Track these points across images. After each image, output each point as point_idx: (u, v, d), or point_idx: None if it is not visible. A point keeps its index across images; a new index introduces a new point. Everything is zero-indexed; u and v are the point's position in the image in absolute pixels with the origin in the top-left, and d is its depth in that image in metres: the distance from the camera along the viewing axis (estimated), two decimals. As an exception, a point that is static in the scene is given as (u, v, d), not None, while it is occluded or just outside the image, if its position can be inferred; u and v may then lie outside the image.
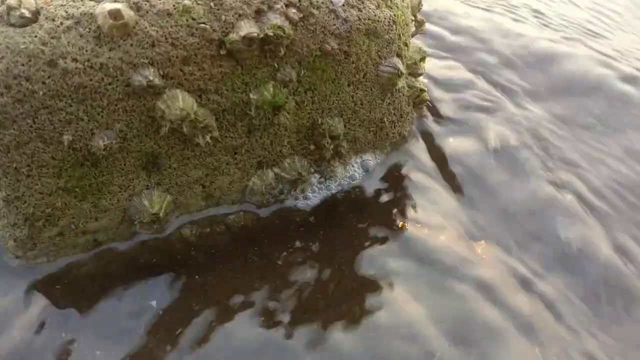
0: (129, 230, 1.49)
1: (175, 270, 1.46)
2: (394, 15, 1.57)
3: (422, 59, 1.74)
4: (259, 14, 1.39)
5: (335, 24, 1.47)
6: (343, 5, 1.47)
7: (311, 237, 1.53)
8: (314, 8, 1.44)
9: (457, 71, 2.05)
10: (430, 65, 2.01)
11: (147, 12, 1.32)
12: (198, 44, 1.36)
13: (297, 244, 1.52)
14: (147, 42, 1.32)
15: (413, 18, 1.76)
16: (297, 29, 1.42)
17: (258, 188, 1.56)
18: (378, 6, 1.54)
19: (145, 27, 1.32)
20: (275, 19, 1.38)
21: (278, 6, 1.39)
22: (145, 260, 1.48)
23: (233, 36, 1.36)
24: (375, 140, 1.69)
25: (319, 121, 1.56)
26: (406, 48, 1.65)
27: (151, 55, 1.32)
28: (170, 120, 1.36)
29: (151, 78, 1.32)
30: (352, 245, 1.51)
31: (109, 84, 1.32)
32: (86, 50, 1.29)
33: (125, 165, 1.42)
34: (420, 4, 1.85)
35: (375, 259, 1.48)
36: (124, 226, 1.48)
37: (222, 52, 1.38)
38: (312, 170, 1.61)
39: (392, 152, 1.73)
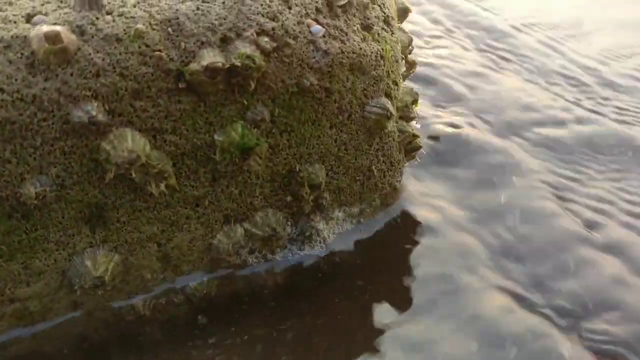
0: (69, 298, 1.25)
1: (126, 350, 1.22)
2: (382, 49, 1.40)
3: (414, 102, 1.56)
4: (225, 42, 1.20)
5: (314, 57, 1.28)
6: (324, 35, 1.29)
7: (286, 311, 1.31)
8: (290, 37, 1.26)
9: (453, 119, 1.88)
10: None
11: (92, 36, 1.14)
12: (152, 74, 1.16)
13: (270, 317, 1.30)
14: (91, 72, 1.13)
15: (403, 57, 1.59)
16: (271, 61, 1.24)
17: (224, 247, 1.33)
18: (364, 39, 1.37)
19: (89, 54, 1.13)
20: (244, 48, 1.19)
21: (248, 34, 1.21)
22: (89, 337, 1.25)
23: (194, 66, 1.17)
24: (362, 191, 1.48)
25: (297, 168, 1.35)
26: (396, 88, 1.47)
27: (95, 87, 1.13)
28: (117, 164, 1.15)
29: (94, 114, 1.12)
30: (333, 326, 1.29)
31: (44, 119, 1.11)
32: (16, 79, 1.09)
33: (63, 218, 1.20)
34: (411, 43, 1.68)
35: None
36: (62, 293, 1.24)
37: (181, 85, 1.19)
38: (289, 225, 1.39)
39: (381, 206, 1.52)
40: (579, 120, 1.95)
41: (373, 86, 1.39)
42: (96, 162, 1.17)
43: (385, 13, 1.44)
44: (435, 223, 1.53)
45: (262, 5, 1.24)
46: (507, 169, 1.70)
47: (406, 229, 1.52)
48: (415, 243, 1.47)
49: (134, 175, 1.18)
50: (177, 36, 1.18)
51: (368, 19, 1.39)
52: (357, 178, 1.45)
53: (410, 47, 1.70)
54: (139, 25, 1.15)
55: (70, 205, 1.20)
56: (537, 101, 2.03)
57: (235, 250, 1.34)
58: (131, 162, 1.16)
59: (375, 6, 1.43)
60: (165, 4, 1.20)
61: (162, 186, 1.22)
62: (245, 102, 1.25)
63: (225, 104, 1.23)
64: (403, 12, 1.70)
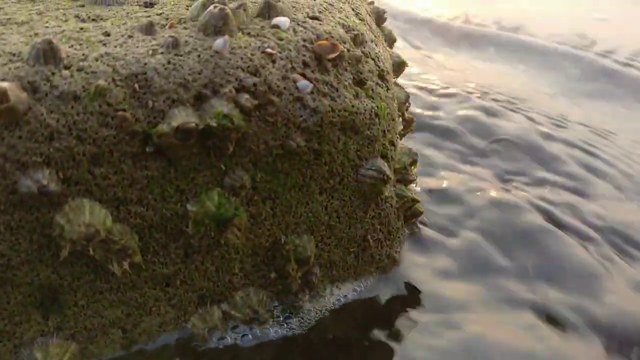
0: (16, 396, 1.07)
1: None
2: (377, 107, 1.26)
3: (413, 163, 1.42)
4: (199, 99, 1.07)
5: (302, 115, 1.15)
6: (312, 92, 1.16)
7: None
8: (273, 94, 1.12)
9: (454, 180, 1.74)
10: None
11: (46, 94, 1.00)
12: (115, 137, 1.02)
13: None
14: (43, 134, 0.98)
15: (400, 114, 1.46)
16: (252, 120, 1.10)
17: (199, 332, 1.16)
18: (356, 95, 1.24)
19: (42, 114, 0.99)
20: (221, 107, 1.06)
21: (225, 90, 1.07)
22: None
23: (163, 128, 1.03)
24: (357, 264, 1.32)
25: (282, 240, 1.20)
26: (393, 148, 1.33)
27: (48, 152, 0.98)
28: (73, 240, 0.99)
29: (46, 183, 0.97)
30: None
31: (-14, 190, 0.96)
32: (-47, 144, 0.95)
33: (8, 303, 1.04)
34: (408, 99, 1.56)
35: None
36: (8, 390, 1.06)
37: (149, 148, 1.04)
38: (273, 306, 1.23)
39: (378, 280, 1.36)
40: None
41: (367, 147, 1.25)
42: (49, 238, 1.02)
43: (379, 67, 1.32)
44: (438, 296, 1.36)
45: (242, 58, 1.12)
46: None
47: (405, 301, 1.36)
48: (415, 318, 1.30)
49: (92, 252, 1.02)
50: (145, 93, 1.04)
51: (361, 73, 1.27)
52: (351, 250, 1.30)
53: (407, 104, 1.57)
54: (101, 82, 1.02)
55: (18, 288, 1.04)
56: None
57: (211, 335, 1.17)
58: (89, 238, 1.00)
59: (369, 60, 1.30)
60: (132, 57, 1.07)
61: (126, 264, 1.07)
62: (223, 167, 1.10)
63: (200, 170, 1.09)
64: (399, 66, 1.58)
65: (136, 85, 1.04)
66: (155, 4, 1.33)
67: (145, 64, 1.06)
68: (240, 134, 1.08)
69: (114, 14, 1.25)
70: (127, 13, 1.25)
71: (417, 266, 1.43)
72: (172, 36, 1.10)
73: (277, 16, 1.24)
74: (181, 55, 1.09)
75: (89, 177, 1.02)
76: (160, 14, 1.25)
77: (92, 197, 1.03)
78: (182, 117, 1.03)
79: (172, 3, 1.32)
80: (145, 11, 1.27)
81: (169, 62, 1.07)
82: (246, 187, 1.12)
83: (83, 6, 1.30)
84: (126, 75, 1.04)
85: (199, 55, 1.10)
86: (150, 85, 1.05)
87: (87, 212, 1.01)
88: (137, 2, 1.34)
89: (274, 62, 1.14)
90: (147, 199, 1.07)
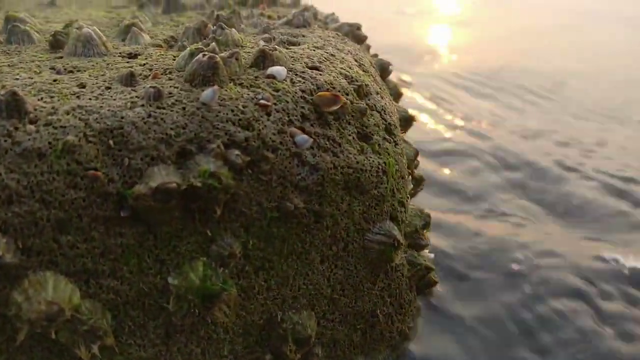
0: None
1: None
2: (384, 163, 1.14)
3: (426, 226, 1.29)
4: (183, 156, 0.95)
5: (300, 173, 1.03)
6: (311, 147, 1.04)
7: None
8: (268, 150, 1.00)
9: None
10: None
11: (7, 151, 0.88)
12: (84, 200, 0.90)
13: None
14: (0, 197, 0.86)
15: (409, 172, 1.34)
16: (243, 179, 0.98)
17: None
18: (361, 150, 1.12)
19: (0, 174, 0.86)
20: (208, 164, 0.94)
21: (213, 146, 0.95)
22: None
23: (140, 188, 0.90)
24: (364, 343, 1.17)
25: (278, 317, 1.06)
26: (403, 209, 1.20)
27: (5, 218, 0.86)
28: (30, 320, 0.85)
29: (1, 253, 0.84)
30: None
31: None
32: None
33: (-45, 396, 0.89)
34: (417, 156, 1.44)
35: None
36: None
37: (124, 213, 0.92)
38: (269, 394, 1.07)
39: (388, 358, 1.20)
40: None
41: (375, 208, 1.12)
42: (4, 318, 0.88)
43: (386, 121, 1.21)
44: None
45: (233, 111, 1.00)
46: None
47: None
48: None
49: (55, 335, 0.88)
50: (120, 150, 0.93)
51: (366, 127, 1.15)
52: (358, 326, 1.15)
53: (416, 161, 1.46)
54: (70, 137, 0.90)
55: (-34, 378, 0.89)
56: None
57: None
58: (51, 318, 0.86)
59: (375, 112, 1.19)
60: (108, 110, 0.95)
61: (96, 348, 0.92)
62: (209, 233, 0.97)
63: (182, 236, 0.96)
64: (406, 121, 1.47)
65: (111, 141, 0.93)
66: (139, 55, 1.23)
67: (123, 117, 0.95)
68: (229, 194, 0.95)
69: (93, 65, 1.15)
70: (108, 64, 1.16)
71: (432, 341, 1.27)
72: (154, 87, 0.99)
73: (272, 66, 1.14)
74: (163, 108, 0.98)
75: (54, 247, 0.89)
76: (144, 64, 1.15)
77: (56, 269, 0.89)
78: (162, 176, 0.91)
79: (158, 54, 1.23)
80: (127, 62, 1.17)
81: (149, 116, 0.96)
82: (236, 256, 0.98)
83: (61, 57, 1.20)
84: (100, 130, 0.93)
85: (183, 108, 0.98)
86: (127, 140, 0.93)
87: (50, 287, 0.88)
88: (121, 53, 1.25)
89: (268, 114, 1.03)
90: (122, 271, 0.94)
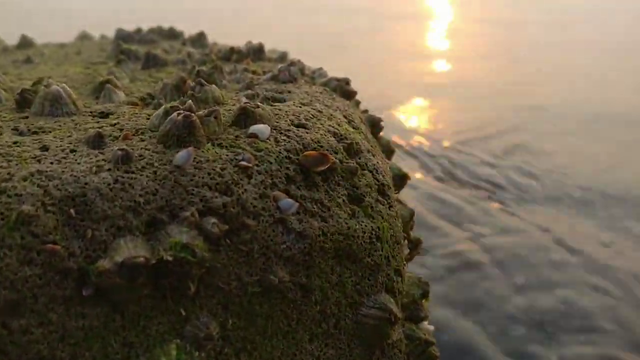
0: None
1: None
2: (378, 228, 1.05)
3: (425, 296, 1.19)
4: (153, 226, 0.86)
5: (285, 242, 0.94)
6: (297, 212, 0.95)
7: None
8: (248, 216, 0.91)
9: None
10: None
11: (-49, 225, 0.79)
12: (41, 278, 0.80)
13: None
14: (-58, 278, 0.76)
15: (405, 236, 1.25)
16: (221, 251, 0.89)
17: None
18: (353, 214, 1.03)
19: (-58, 251, 0.77)
20: (180, 235, 0.84)
21: (187, 214, 0.87)
22: None
23: (104, 263, 0.81)
24: None
25: (262, 405, 0.94)
26: (399, 279, 1.10)
27: (-54, 301, 0.76)
28: (-27, 421, 0.74)
29: (-60, 342, 0.74)
30: None
31: None
32: None
33: None
34: (412, 217, 1.36)
35: None
36: None
37: (86, 291, 0.82)
38: None
39: None
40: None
41: (368, 279, 1.03)
42: (-57, 417, 0.77)
43: (379, 180, 1.13)
44: None
45: (209, 174, 0.92)
46: None
47: None
48: None
49: None
50: (83, 220, 0.84)
51: (357, 188, 1.07)
52: (352, 412, 1.04)
53: (411, 222, 1.37)
54: (26, 207, 0.81)
55: None
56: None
57: None
58: (-2, 416, 0.75)
59: (366, 172, 1.11)
60: (71, 175, 0.87)
61: None
62: (183, 312, 0.87)
63: (153, 316, 0.86)
64: (400, 180, 1.39)
65: (72, 211, 0.84)
66: (112, 114, 1.16)
67: (86, 183, 0.86)
68: (204, 268, 0.86)
69: (60, 125, 1.07)
70: (76, 124, 1.08)
71: None
72: (122, 149, 0.91)
73: (255, 124, 1.06)
74: (132, 172, 0.89)
75: (3, 333, 0.78)
76: (115, 124, 1.07)
77: (7, 358, 0.79)
78: (129, 249, 0.82)
79: (132, 112, 1.15)
80: (97, 122, 1.09)
81: (116, 181, 0.87)
82: (214, 338, 0.88)
83: (27, 117, 1.12)
84: (60, 198, 0.84)
85: (155, 172, 0.90)
86: (91, 209, 0.84)
87: (-3, 381, 0.77)
88: (92, 112, 1.17)
89: (249, 177, 0.95)
90: (84, 357, 0.83)
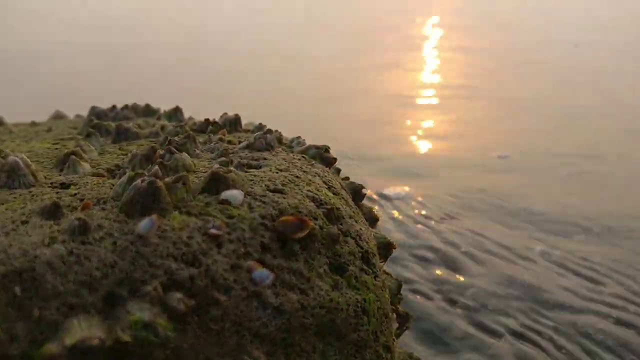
0: None
1: None
2: (364, 300, 0.97)
3: (417, 373, 1.09)
4: (110, 303, 0.77)
5: (260, 318, 0.84)
6: (274, 284, 0.87)
7: None
8: (218, 290, 0.83)
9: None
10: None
11: None
12: (-23, 367, 0.70)
13: None
14: None
15: (393, 309, 1.16)
16: (187, 330, 0.79)
17: None
18: (335, 285, 0.95)
19: None
20: (141, 312, 0.75)
21: (148, 288, 0.78)
22: None
23: (52, 347, 0.71)
24: None
25: None
26: (390, 356, 1.01)
27: None
28: None
29: None
30: None
31: None
32: None
33: None
34: (400, 289, 1.27)
35: None
36: None
37: (30, 381, 0.72)
38: None
39: None
40: None
41: (355, 356, 0.93)
42: None
43: (362, 248, 1.05)
44: None
45: (175, 243, 0.84)
46: None
47: None
48: None
49: None
50: (30, 299, 0.74)
51: (339, 256, 0.99)
52: None
53: (399, 295, 1.28)
54: (-36, 285, 0.72)
55: None
56: None
57: None
58: None
59: (349, 239, 1.04)
60: (19, 248, 0.78)
61: None
62: (144, 402, 0.77)
63: (109, 408, 0.75)
64: (385, 248, 1.31)
65: (17, 288, 0.74)
66: (73, 185, 1.08)
67: (36, 256, 0.77)
68: (169, 350, 0.76)
69: (15, 197, 0.99)
70: (33, 195, 1.00)
71: None
72: (79, 218, 0.83)
73: (227, 189, 0.99)
74: (90, 243, 0.81)
75: None
76: (75, 194, 1.00)
77: None
78: (83, 329, 0.72)
79: (94, 182, 1.08)
80: (56, 192, 1.01)
81: (70, 253, 0.79)
82: None
83: (-20, 190, 1.04)
84: (5, 274, 0.75)
85: (114, 242, 0.82)
86: (40, 285, 0.75)
87: None
88: (52, 183, 1.09)
89: (220, 246, 0.87)
90: None
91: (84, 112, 2.60)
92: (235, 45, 8.37)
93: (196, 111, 2.43)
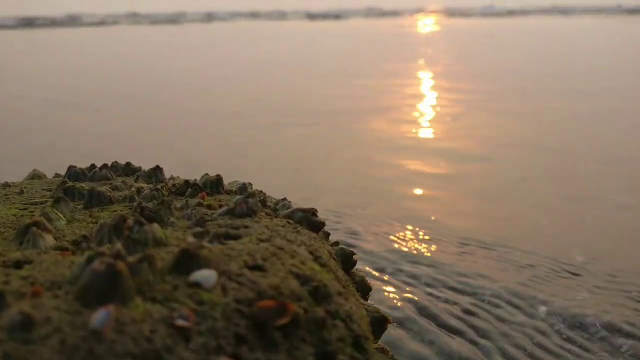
0: None
1: None
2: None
3: None
4: (54, 417, 0.65)
5: None
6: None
7: None
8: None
9: None
10: None
11: None
12: None
13: None
14: None
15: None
16: None
17: None
18: (322, 379, 0.83)
19: None
20: None
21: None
22: None
23: None
24: None
25: None
26: None
27: None
28: None
29: None
30: None
31: None
32: None
33: None
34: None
35: None
36: None
37: None
38: None
39: None
40: None
41: None
42: None
43: (354, 331, 0.93)
44: None
45: (134, 339, 0.72)
46: None
47: None
48: None
49: None
50: (-45, 415, 0.62)
51: (327, 343, 0.88)
52: None
53: (396, 375, 1.16)
54: None
55: None
56: None
57: None
58: None
59: (337, 322, 0.92)
60: (-53, 352, 0.66)
61: None
62: None
63: None
64: (379, 324, 1.20)
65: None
66: (28, 263, 0.97)
67: (-34, 363, 0.66)
68: None
69: (-43, 281, 0.88)
70: (-22, 279, 0.88)
71: None
72: (22, 312, 0.71)
73: (199, 269, 0.88)
74: (33, 342, 0.69)
75: None
76: (27, 277, 0.88)
77: None
78: None
79: (52, 261, 0.96)
80: (6, 275, 0.90)
81: (6, 356, 0.67)
82: None
83: None
84: None
85: (63, 340, 0.70)
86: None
87: None
88: (5, 261, 0.98)
89: (187, 339, 0.75)
90: None
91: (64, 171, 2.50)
92: (223, 105, 8.36)
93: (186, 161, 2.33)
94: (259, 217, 1.31)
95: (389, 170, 4.91)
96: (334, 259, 1.29)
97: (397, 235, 3.40)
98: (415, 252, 3.16)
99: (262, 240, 1.10)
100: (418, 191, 4.37)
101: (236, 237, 1.14)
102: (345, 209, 3.87)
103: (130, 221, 1.13)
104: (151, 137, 6.41)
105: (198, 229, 1.14)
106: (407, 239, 3.36)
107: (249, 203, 1.33)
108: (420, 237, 3.38)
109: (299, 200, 1.57)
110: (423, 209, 3.90)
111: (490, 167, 4.96)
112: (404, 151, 5.49)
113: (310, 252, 1.15)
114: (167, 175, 2.15)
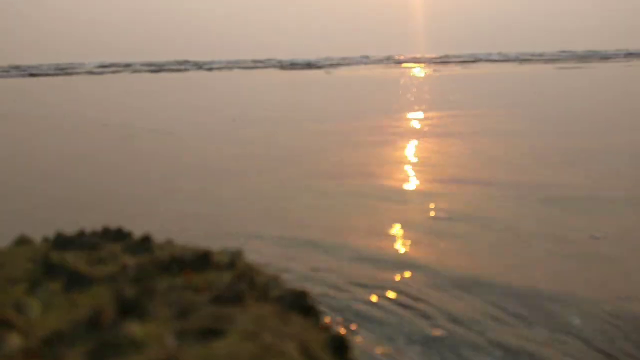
0: None
1: None
2: None
3: None
4: None
5: None
6: None
7: None
8: None
9: None
10: None
11: None
12: None
13: None
14: None
15: None
16: None
17: None
18: None
19: None
20: None
21: None
22: None
23: None
24: None
25: None
26: None
27: None
28: None
29: None
30: None
31: None
32: None
33: None
34: None
35: None
36: None
37: None
38: None
39: None
40: None
41: None
42: None
43: None
44: None
45: None
46: None
47: None
48: None
49: None
50: None
51: None
52: None
53: None
54: None
55: None
56: None
57: None
58: None
59: None
60: None
61: None
62: None
63: None
64: None
65: None
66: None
67: None
68: None
69: None
70: None
71: None
72: None
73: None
74: None
75: None
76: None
77: None
78: None
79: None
80: (-39, 395, 0.82)
81: None
82: None
83: None
84: None
85: None
86: None
87: None
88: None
89: None
90: None
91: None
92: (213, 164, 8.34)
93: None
94: (246, 304, 1.24)
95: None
96: (327, 348, 1.22)
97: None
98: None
99: (247, 338, 1.03)
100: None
101: (219, 333, 1.06)
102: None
103: (107, 315, 1.07)
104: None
105: (178, 325, 1.07)
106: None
107: (237, 289, 1.26)
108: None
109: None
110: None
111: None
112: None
113: (300, 346, 1.08)
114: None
